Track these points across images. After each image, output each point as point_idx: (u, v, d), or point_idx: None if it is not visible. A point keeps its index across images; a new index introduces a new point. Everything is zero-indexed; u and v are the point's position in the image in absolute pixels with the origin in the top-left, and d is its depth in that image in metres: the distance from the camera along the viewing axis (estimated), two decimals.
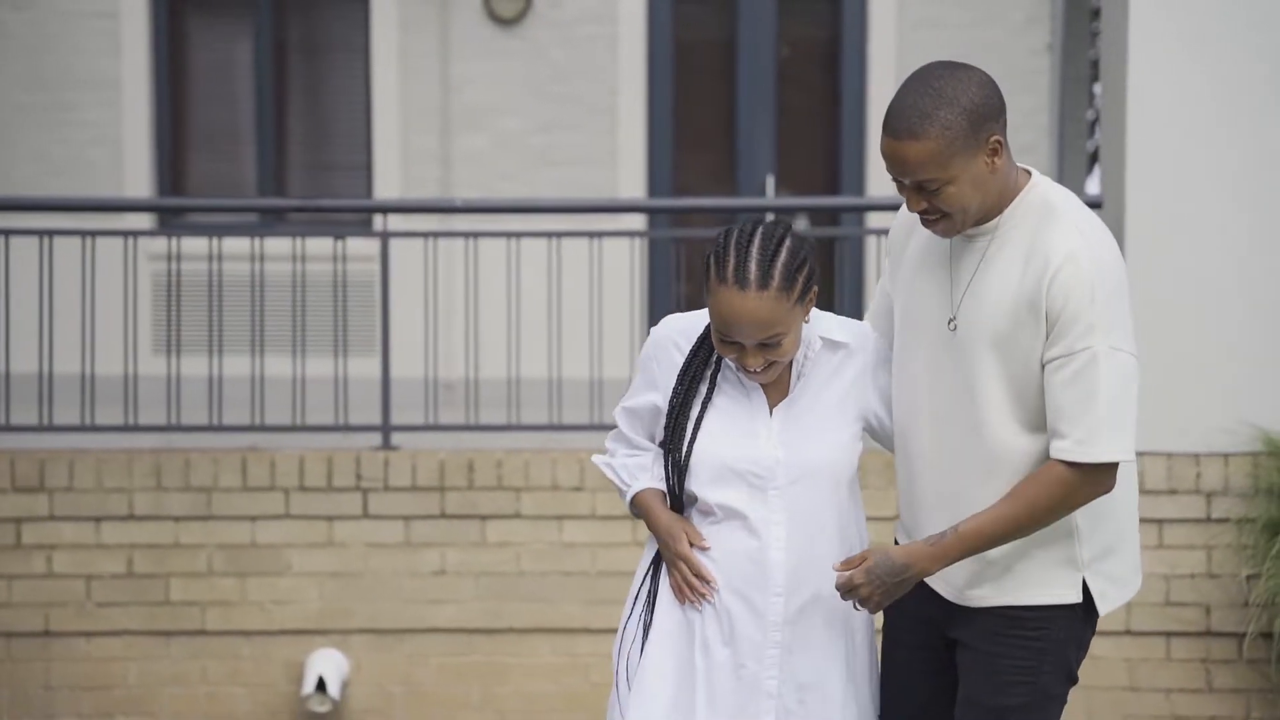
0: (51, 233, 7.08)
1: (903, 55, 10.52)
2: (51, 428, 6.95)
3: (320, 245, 7.73)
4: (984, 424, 3.34)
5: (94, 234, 7.07)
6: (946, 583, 3.44)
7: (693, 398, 3.53)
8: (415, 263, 7.87)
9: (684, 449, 3.51)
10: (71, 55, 10.45)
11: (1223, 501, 6.74)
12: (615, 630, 3.79)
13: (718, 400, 3.52)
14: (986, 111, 3.23)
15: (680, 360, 3.57)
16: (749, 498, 3.48)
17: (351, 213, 9.06)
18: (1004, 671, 3.42)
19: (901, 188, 3.31)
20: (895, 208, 7.47)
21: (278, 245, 7.91)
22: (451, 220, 9.05)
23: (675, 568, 3.52)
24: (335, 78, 10.92)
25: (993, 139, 3.25)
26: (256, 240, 7.09)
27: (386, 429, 6.92)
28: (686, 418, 3.52)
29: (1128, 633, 6.76)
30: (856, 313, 7.80)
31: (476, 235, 7.15)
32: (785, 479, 3.47)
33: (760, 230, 3.38)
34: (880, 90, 10.56)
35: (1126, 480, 3.45)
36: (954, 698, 3.52)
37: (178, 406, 7.04)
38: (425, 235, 7.22)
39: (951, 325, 3.36)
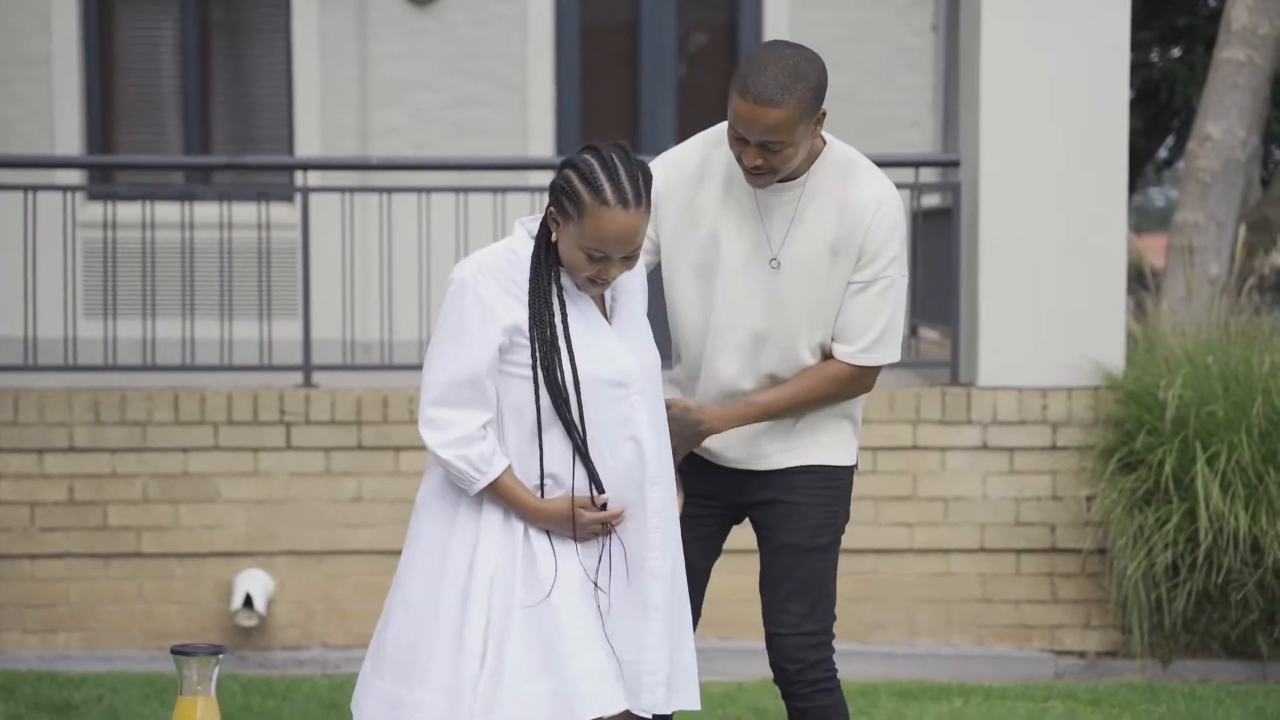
0: None
1: (795, 35, 11.16)
2: None
3: (245, 213, 8.25)
4: (795, 341, 4.04)
5: (29, 188, 7.61)
6: (755, 454, 4.14)
7: (554, 320, 3.69)
8: (334, 229, 8.42)
9: (568, 370, 3.67)
10: (2, 33, 10.94)
11: (1067, 431, 7.45)
12: None
13: (569, 320, 3.73)
14: (823, 89, 3.89)
15: (509, 293, 3.68)
16: (621, 402, 3.79)
17: (273, 171, 9.58)
18: (814, 518, 4.16)
19: (742, 144, 3.88)
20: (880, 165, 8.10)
21: (205, 213, 8.42)
22: (368, 180, 9.64)
23: (588, 528, 3.73)
24: (257, 55, 11.47)
25: (822, 112, 3.92)
26: (185, 207, 7.63)
27: (308, 369, 7.52)
28: (557, 341, 3.68)
29: (981, 550, 7.46)
30: None
31: (391, 190, 7.75)
32: (641, 381, 3.81)
33: (617, 154, 3.70)
34: None
35: None
36: (703, 554, 4.22)
37: (114, 352, 7.62)
38: (342, 190, 7.81)
39: (774, 264, 4.02)
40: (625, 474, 3.76)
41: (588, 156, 3.67)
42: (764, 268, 4.04)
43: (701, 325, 4.11)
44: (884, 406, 7.44)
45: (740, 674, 7.06)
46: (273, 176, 10.02)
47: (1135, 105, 16.27)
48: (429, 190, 7.74)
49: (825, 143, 4.02)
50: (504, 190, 7.83)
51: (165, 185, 9.12)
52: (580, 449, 3.70)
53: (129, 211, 8.02)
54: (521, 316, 3.67)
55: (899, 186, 7.66)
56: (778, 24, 11.17)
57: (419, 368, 7.51)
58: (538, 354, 3.67)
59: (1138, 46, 16.03)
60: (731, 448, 4.16)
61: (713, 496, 4.23)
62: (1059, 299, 7.43)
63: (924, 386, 7.61)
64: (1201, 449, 7.04)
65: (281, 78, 11.32)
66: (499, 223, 7.79)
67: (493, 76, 11.20)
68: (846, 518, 4.26)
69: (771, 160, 3.87)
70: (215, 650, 3.66)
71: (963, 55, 7.72)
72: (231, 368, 7.63)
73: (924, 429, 7.46)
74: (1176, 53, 16.35)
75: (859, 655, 7.33)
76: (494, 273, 3.69)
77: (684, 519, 4.07)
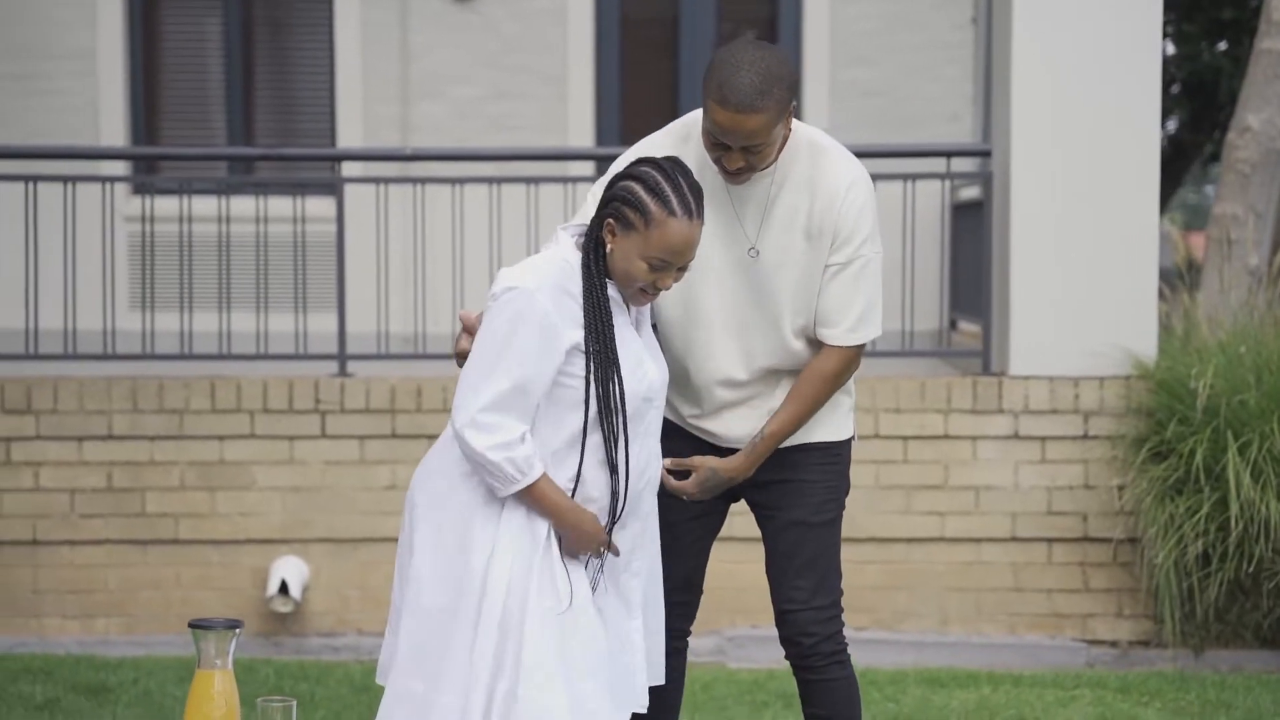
0: (35, 178, 7.74)
1: (835, 29, 11.18)
2: (37, 356, 7.62)
3: (283, 206, 8.34)
4: (780, 326, 4.09)
5: (69, 179, 7.72)
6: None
7: (607, 334, 3.72)
8: (370, 222, 8.47)
9: (616, 387, 3.72)
10: (48, 27, 11.04)
11: (1099, 420, 7.45)
12: None
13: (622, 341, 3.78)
14: (796, 84, 3.94)
15: (568, 309, 3.70)
16: (645, 415, 3.87)
17: (313, 164, 9.66)
18: (819, 494, 4.21)
19: (722, 148, 3.90)
20: (887, 154, 8.10)
21: (243, 206, 8.51)
22: (408, 170, 9.69)
23: (589, 548, 3.81)
24: (300, 49, 11.54)
25: (793, 105, 3.95)
26: (223, 201, 7.73)
27: (343, 358, 7.60)
28: (614, 356, 3.72)
29: (1013, 539, 7.47)
30: None
31: (425, 181, 7.81)
32: (661, 394, 3.93)
33: (675, 167, 3.77)
34: (815, 61, 11.21)
35: None
36: (708, 527, 4.28)
37: (152, 342, 7.72)
38: (377, 181, 7.88)
39: (753, 253, 4.05)
40: (635, 480, 3.84)
41: (649, 169, 3.73)
42: (743, 258, 4.07)
43: (683, 320, 4.12)
44: (915, 396, 7.46)
45: (769, 660, 7.09)
46: (312, 171, 10.08)
47: (1181, 99, 16.23)
48: (462, 181, 7.80)
49: (791, 129, 4.03)
50: (538, 181, 7.88)
51: (204, 179, 9.20)
52: (612, 460, 3.76)
53: (170, 205, 8.11)
54: (580, 333, 3.71)
55: (929, 177, 7.74)
56: (817, 17, 11.17)
57: (451, 357, 7.67)
58: (593, 369, 3.71)
59: (1184, 40, 15.98)
60: (732, 429, 4.19)
61: None
62: (1091, 288, 7.43)
63: (955, 376, 7.62)
64: (1233, 438, 7.04)
65: (324, 72, 11.39)
66: (532, 214, 7.84)
67: (533, 70, 11.25)
68: (847, 490, 4.32)
69: (752, 161, 3.92)
70: (232, 624, 3.71)
71: (995, 44, 7.73)
72: (268, 357, 7.71)
73: (955, 418, 7.47)
74: (1222, 46, 16.27)
75: (889, 644, 7.37)
76: (555, 288, 3.71)
77: (685, 500, 4.15)
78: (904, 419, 7.45)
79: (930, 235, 8.52)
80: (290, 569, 7.37)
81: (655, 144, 4.10)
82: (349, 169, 9.34)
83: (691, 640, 6.66)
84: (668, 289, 3.79)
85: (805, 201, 4.01)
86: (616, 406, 3.73)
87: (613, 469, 3.76)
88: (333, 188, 7.91)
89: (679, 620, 4.34)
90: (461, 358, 3.87)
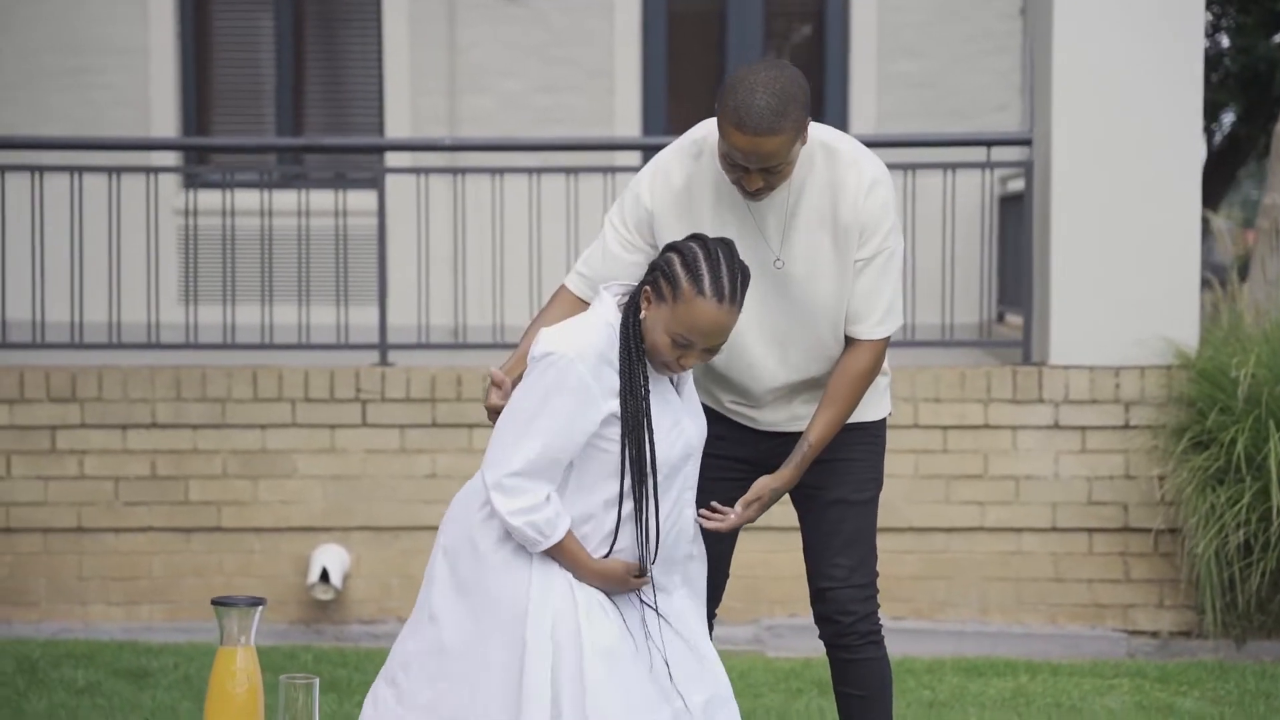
0: (81, 169, 7.83)
1: (882, 20, 11.16)
2: (82, 345, 7.71)
3: (324, 200, 8.41)
4: (819, 330, 4.07)
5: (114, 170, 7.80)
6: (795, 417, 4.17)
7: (642, 402, 3.70)
8: (411, 215, 8.52)
9: (648, 455, 3.71)
10: (100, 22, 11.15)
11: (1140, 410, 7.42)
12: None
13: (657, 409, 3.76)
14: (809, 101, 3.89)
15: (608, 377, 3.69)
16: (682, 471, 3.86)
17: (359, 154, 9.71)
18: (859, 472, 4.22)
19: (741, 170, 3.86)
20: (899, 144, 8.10)
21: (285, 200, 8.57)
22: (456, 161, 9.72)
23: (622, 592, 3.79)
24: (349, 43, 11.61)
25: (809, 121, 3.92)
26: (265, 195, 7.81)
27: (384, 347, 7.65)
28: (648, 424, 3.70)
29: (1053, 529, 7.44)
30: None
31: (465, 171, 7.85)
32: (700, 449, 3.90)
33: (722, 249, 3.74)
34: (862, 53, 11.20)
35: None
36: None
37: (195, 333, 7.79)
38: (418, 171, 7.93)
39: (778, 264, 4.02)
40: (672, 534, 3.82)
41: (694, 245, 3.72)
42: (769, 269, 4.05)
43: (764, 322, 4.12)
44: (955, 385, 7.45)
45: (807, 649, 7.10)
46: (356, 162, 10.14)
47: (1236, 92, 16.10)
48: (503, 171, 7.84)
49: (806, 141, 4.00)
50: (578, 171, 7.91)
51: (245, 165, 9.26)
52: (642, 522, 3.74)
53: (213, 199, 8.16)
54: (616, 402, 3.68)
55: (970, 166, 7.72)
56: (864, 9, 11.15)
57: (493, 346, 7.71)
58: (628, 438, 3.69)
59: (1239, 33, 15.87)
60: (770, 413, 4.20)
61: (750, 462, 4.27)
62: (1132, 277, 7.40)
63: (996, 366, 7.60)
64: (1275, 427, 7.00)
65: (373, 65, 11.46)
66: (572, 205, 7.87)
67: (580, 63, 11.27)
68: (883, 467, 4.32)
69: (771, 181, 3.89)
70: (255, 602, 3.74)
71: (1036, 33, 7.71)
72: (309, 346, 7.77)
73: (995, 408, 7.45)
74: (1278, 39, 16.15)
75: (929, 633, 7.36)
76: (596, 357, 3.68)
77: (723, 483, 4.14)
78: (944, 409, 7.44)
79: (975, 227, 8.50)
80: (331, 557, 7.42)
81: (666, 160, 4.05)
82: (392, 160, 9.39)
83: (730, 629, 6.71)
84: (689, 367, 3.75)
85: (828, 205, 3.99)
86: (648, 472, 3.71)
87: (643, 531, 3.75)
88: (374, 182, 7.96)
89: (713, 604, 4.35)
90: (492, 413, 3.85)
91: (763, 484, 4.03)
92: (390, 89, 11.34)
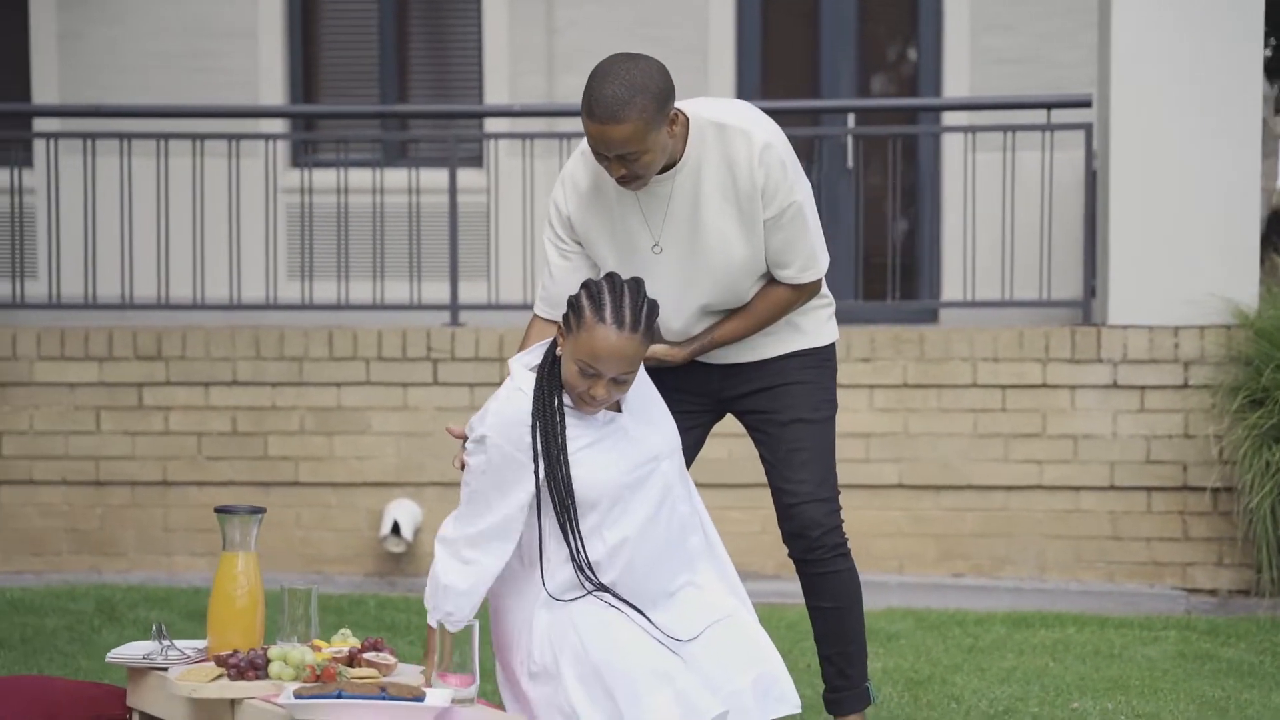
0: (202, 136, 8.18)
1: None
2: (168, 306, 8.03)
3: (398, 178, 8.67)
4: (739, 293, 4.30)
5: (238, 137, 8.16)
6: (746, 348, 4.39)
7: (558, 438, 3.91)
8: (483, 187, 8.75)
9: (564, 486, 3.92)
10: (212, 5, 11.51)
11: (1199, 370, 7.46)
12: None
13: (585, 441, 3.96)
14: (667, 91, 4.05)
15: (528, 440, 3.90)
16: (652, 475, 4.07)
17: (464, 118, 9.94)
18: (814, 394, 4.42)
19: (605, 160, 4.07)
20: (967, 107, 8.17)
21: (360, 179, 8.81)
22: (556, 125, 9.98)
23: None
24: (450, 24, 11.88)
25: (673, 113, 4.08)
26: (340, 173, 8.08)
27: (455, 308, 7.89)
28: (562, 458, 3.91)
29: (1111, 487, 7.51)
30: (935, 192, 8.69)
31: (531, 137, 8.07)
32: (667, 448, 4.11)
33: (629, 284, 3.96)
34: (955, 28, 11.23)
35: None
36: (690, 443, 4.42)
37: (275, 293, 8.09)
38: (523, 136, 8.24)
39: (656, 249, 4.22)
40: (663, 534, 4.02)
41: (602, 280, 3.94)
42: (688, 255, 4.24)
43: (657, 290, 4.30)
44: (1013, 345, 7.53)
45: (866, 604, 7.22)
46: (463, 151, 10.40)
47: None
48: (568, 136, 8.05)
49: (688, 120, 4.15)
50: None
51: (329, 153, 9.54)
52: (570, 550, 3.95)
53: (296, 178, 8.41)
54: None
55: (1030, 129, 7.79)
56: None
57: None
58: (541, 469, 3.90)
59: None
60: (724, 352, 4.40)
61: (703, 394, 4.47)
62: (1191, 237, 7.44)
63: (1054, 325, 7.67)
64: None
65: (473, 46, 11.71)
66: None
67: (675, 40, 11.43)
68: (836, 389, 4.52)
69: (634, 168, 4.05)
70: (255, 510, 3.99)
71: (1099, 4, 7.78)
72: (383, 307, 8.03)
73: (1054, 367, 7.53)
74: None
75: (988, 590, 7.46)
76: (510, 425, 3.91)
77: (679, 416, 4.32)
78: (1002, 368, 7.53)
79: (1065, 203, 8.56)
80: (403, 511, 7.66)
81: (571, 168, 4.27)
82: (486, 129, 9.63)
83: (789, 583, 6.88)
84: (602, 399, 3.91)
85: (728, 178, 4.16)
86: (564, 502, 3.92)
87: (571, 557, 3.96)
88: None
89: None
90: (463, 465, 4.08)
91: (662, 348, 4.27)
92: (489, 69, 11.57)
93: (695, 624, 4.00)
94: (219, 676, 3.73)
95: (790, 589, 7.41)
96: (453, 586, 3.95)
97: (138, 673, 3.97)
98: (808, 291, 4.32)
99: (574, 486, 3.91)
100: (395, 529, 7.63)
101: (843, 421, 7.52)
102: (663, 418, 4.12)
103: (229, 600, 3.95)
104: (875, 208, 9.64)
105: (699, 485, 4.29)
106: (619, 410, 4.03)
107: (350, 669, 3.72)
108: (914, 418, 7.60)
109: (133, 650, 3.97)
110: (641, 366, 4.07)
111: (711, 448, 4.91)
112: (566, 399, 3.95)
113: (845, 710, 4.54)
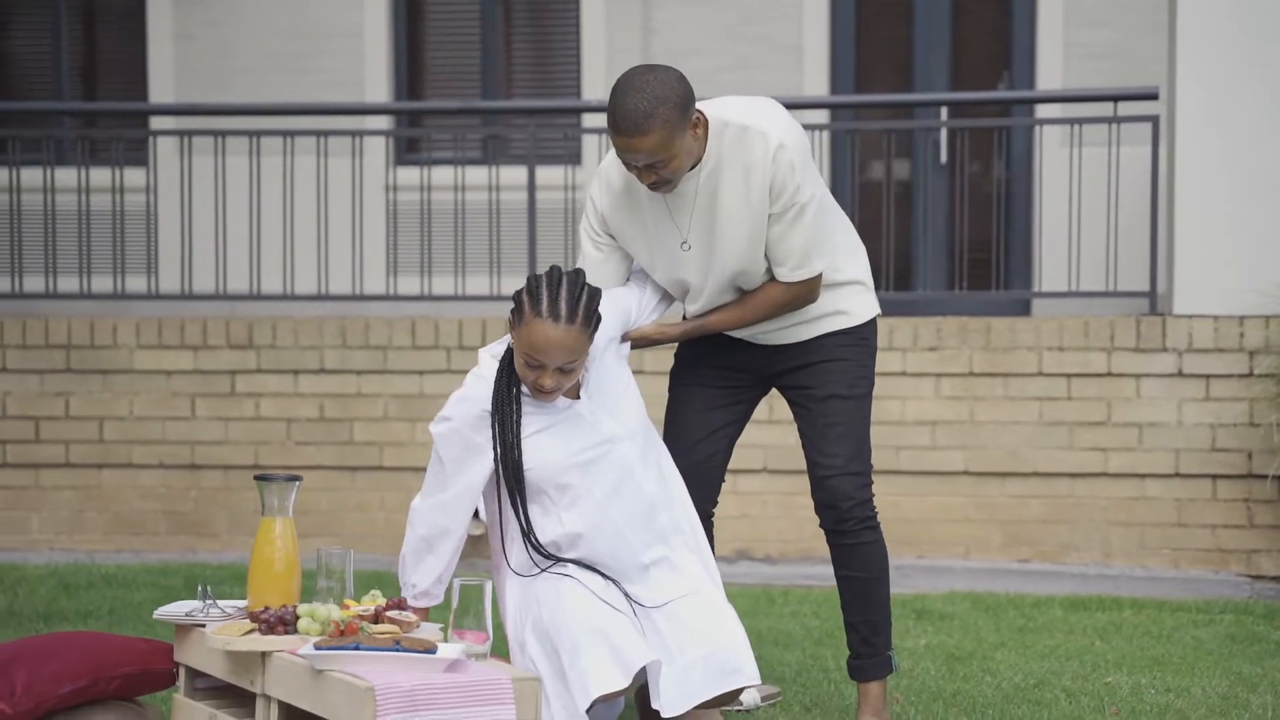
0: (292, 133, 8.50)
1: None
2: (260, 296, 8.35)
3: (515, 175, 8.94)
4: (756, 283, 4.53)
5: (329, 134, 8.48)
6: (785, 329, 4.61)
7: (514, 425, 4.21)
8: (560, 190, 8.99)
9: (514, 469, 4.22)
10: (319, 8, 11.85)
11: (1264, 359, 7.52)
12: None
13: (539, 426, 4.24)
14: (688, 98, 4.27)
15: (488, 425, 4.22)
16: (608, 457, 4.33)
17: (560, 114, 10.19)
18: (851, 371, 4.64)
19: (634, 168, 4.32)
20: (1033, 100, 8.26)
21: (442, 176, 9.07)
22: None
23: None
24: (550, 25, 12.14)
25: (695, 117, 4.30)
26: (425, 171, 8.37)
27: None
28: (516, 444, 4.20)
29: (1176, 475, 7.59)
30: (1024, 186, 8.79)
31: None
32: (624, 431, 4.35)
33: (567, 275, 4.20)
34: (1049, 22, 11.28)
35: (845, 224, 4.65)
36: (734, 416, 4.72)
37: (361, 284, 8.37)
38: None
39: (685, 246, 4.46)
40: (625, 513, 4.30)
41: (540, 275, 4.21)
42: (710, 250, 4.47)
43: (684, 298, 4.63)
44: (1079, 334, 7.64)
45: (929, 587, 7.39)
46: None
47: None
48: None
49: (708, 122, 4.35)
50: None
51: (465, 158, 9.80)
52: (524, 529, 4.28)
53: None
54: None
55: (1097, 121, 7.89)
56: None
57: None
58: (499, 455, 4.23)
59: None
60: (762, 329, 4.62)
61: (749, 370, 4.71)
62: (1256, 228, 7.51)
63: (1119, 315, 7.77)
64: None
65: (572, 47, 11.95)
66: None
67: (770, 40, 11.60)
68: (874, 367, 4.72)
69: (662, 174, 4.30)
70: (292, 478, 4.24)
71: None
72: (464, 298, 8.29)
73: (1119, 356, 7.63)
74: None
75: (1052, 575, 7.57)
76: (474, 411, 4.24)
77: (722, 390, 4.64)
78: (1067, 356, 7.64)
79: (1139, 195, 8.63)
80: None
81: (606, 168, 4.52)
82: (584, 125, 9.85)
83: None
84: (550, 388, 4.16)
85: (743, 178, 4.38)
86: (514, 485, 4.24)
87: (523, 532, 4.30)
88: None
89: (705, 503, 4.75)
90: None
91: (654, 328, 4.53)
92: (588, 70, 11.81)
93: (662, 595, 4.24)
94: (251, 631, 3.99)
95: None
96: (407, 560, 4.35)
97: (183, 629, 4.23)
98: (802, 291, 4.50)
99: (524, 469, 4.20)
100: (475, 512, 7.86)
101: (909, 409, 7.69)
102: (626, 407, 4.35)
103: (267, 563, 4.21)
104: (963, 201, 9.75)
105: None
106: (578, 398, 4.27)
107: (373, 625, 3.95)
108: (980, 406, 7.73)
109: (178, 608, 4.24)
110: (619, 360, 4.35)
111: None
112: (525, 387, 4.20)
113: (867, 676, 4.72)
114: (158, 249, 8.56)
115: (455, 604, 4.04)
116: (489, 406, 4.23)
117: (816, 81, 11.59)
